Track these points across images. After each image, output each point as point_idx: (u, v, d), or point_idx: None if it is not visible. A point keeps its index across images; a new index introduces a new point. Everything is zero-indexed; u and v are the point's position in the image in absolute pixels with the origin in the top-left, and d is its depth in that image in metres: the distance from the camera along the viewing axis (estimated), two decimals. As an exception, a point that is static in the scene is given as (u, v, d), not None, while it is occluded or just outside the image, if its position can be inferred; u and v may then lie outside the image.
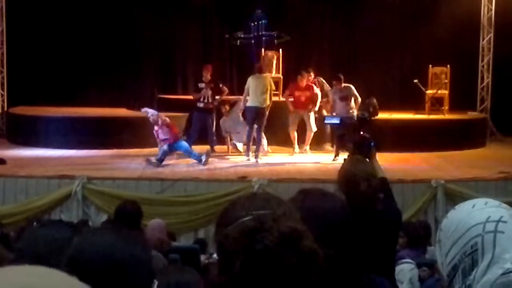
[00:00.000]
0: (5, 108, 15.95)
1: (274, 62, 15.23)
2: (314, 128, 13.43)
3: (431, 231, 7.45)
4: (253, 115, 12.88)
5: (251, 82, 12.95)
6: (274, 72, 15.16)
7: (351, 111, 12.89)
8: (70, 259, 1.65)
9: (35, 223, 7.32)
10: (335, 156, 12.81)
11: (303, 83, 13.49)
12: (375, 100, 13.73)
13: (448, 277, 1.70)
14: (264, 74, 13.35)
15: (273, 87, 13.33)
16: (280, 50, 15.19)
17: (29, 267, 0.87)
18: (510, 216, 1.69)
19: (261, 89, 12.88)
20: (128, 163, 12.57)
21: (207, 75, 13.35)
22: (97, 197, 10.93)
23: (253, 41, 15.45)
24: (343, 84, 13.14)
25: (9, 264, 1.77)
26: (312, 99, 13.46)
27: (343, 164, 4.49)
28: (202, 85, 13.39)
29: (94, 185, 11.04)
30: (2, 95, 16.09)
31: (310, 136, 13.48)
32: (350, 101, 12.98)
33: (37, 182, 11.16)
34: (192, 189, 11.16)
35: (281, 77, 15.13)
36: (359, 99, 13.08)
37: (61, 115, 14.84)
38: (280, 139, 14.07)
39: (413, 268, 6.14)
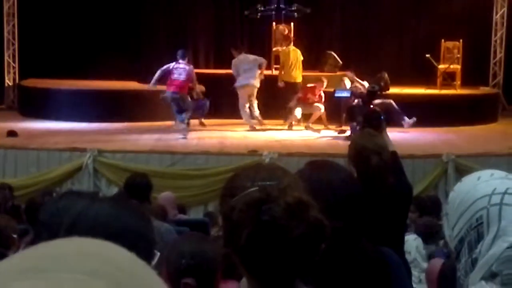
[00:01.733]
0: (17, 81, 15.99)
1: (286, 32, 15.11)
2: (322, 107, 13.32)
3: (441, 205, 7.45)
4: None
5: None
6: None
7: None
8: (69, 226, 1.66)
9: (54, 194, 7.33)
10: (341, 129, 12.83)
11: (319, 90, 13.50)
12: (386, 75, 13.69)
13: (455, 250, 1.70)
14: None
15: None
16: (292, 24, 15.10)
17: (87, 239, 0.85)
18: (517, 188, 1.67)
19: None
20: (139, 136, 12.60)
21: None
22: (108, 170, 10.97)
23: (273, 13, 15.26)
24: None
25: (35, 237, 1.78)
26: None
27: (353, 137, 4.47)
28: None
29: (105, 157, 11.07)
30: (14, 68, 16.12)
31: (317, 115, 13.39)
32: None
33: (48, 155, 11.21)
34: (202, 162, 11.18)
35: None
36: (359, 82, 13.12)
37: (72, 88, 14.85)
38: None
39: (416, 237, 6.17)
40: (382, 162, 4.01)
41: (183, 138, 12.30)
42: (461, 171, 10.80)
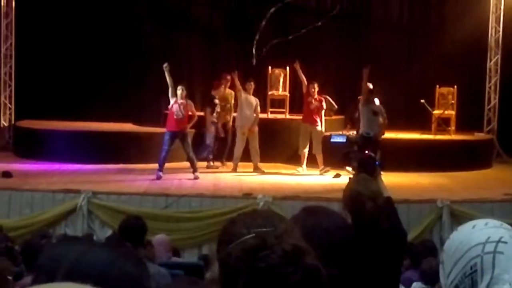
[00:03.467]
0: (12, 121, 16.01)
1: (281, 79, 15.26)
2: (319, 151, 13.37)
3: (434, 251, 7.41)
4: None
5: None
6: (281, 90, 15.21)
7: None
8: (66, 274, 1.66)
9: (51, 237, 7.29)
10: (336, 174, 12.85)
11: (315, 93, 13.61)
12: (381, 120, 13.72)
13: (451, 297, 1.70)
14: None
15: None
16: (287, 68, 15.21)
17: (69, 284, 0.85)
18: (510, 236, 1.68)
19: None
20: (133, 178, 12.59)
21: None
22: (102, 212, 10.93)
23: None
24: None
25: (32, 281, 1.78)
26: (319, 111, 13.47)
27: (348, 183, 4.49)
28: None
29: (99, 199, 11.05)
30: (10, 109, 16.16)
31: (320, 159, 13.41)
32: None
33: (42, 196, 11.18)
34: (196, 205, 11.15)
35: (288, 95, 15.18)
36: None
37: (67, 129, 14.87)
38: (285, 157, 14.11)
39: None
40: (376, 208, 4.03)
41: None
42: (456, 217, 10.82)
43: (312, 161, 13.54)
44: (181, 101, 12.57)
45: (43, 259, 2.04)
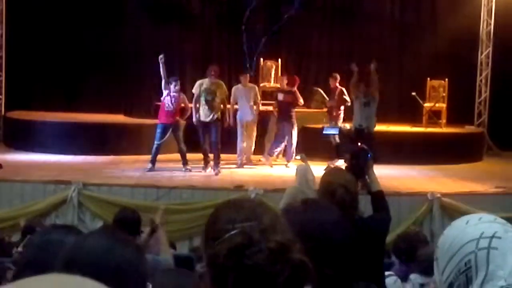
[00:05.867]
0: (3, 113, 15.94)
1: (273, 72, 15.25)
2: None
3: (428, 243, 7.39)
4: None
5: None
6: (272, 81, 15.19)
7: None
8: (66, 262, 1.65)
9: (37, 229, 7.30)
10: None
11: (284, 85, 13.60)
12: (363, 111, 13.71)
13: (445, 294, 1.69)
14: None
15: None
16: (279, 60, 15.21)
17: (61, 276, 0.85)
18: (505, 231, 1.67)
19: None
20: (124, 170, 12.56)
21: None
22: (93, 203, 10.90)
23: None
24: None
25: (17, 272, 1.77)
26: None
27: (322, 175, 4.51)
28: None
29: (90, 191, 11.02)
30: (0, 99, 16.08)
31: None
32: None
33: (33, 187, 11.14)
34: (188, 197, 11.15)
35: (279, 86, 15.14)
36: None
37: (58, 120, 14.81)
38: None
39: (396, 280, 6.10)
40: (347, 196, 4.02)
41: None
42: (447, 210, 10.85)
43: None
44: (174, 94, 12.49)
45: (29, 251, 2.02)
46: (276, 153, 13.59)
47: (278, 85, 14.25)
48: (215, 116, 12.38)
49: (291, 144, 13.27)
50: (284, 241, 1.61)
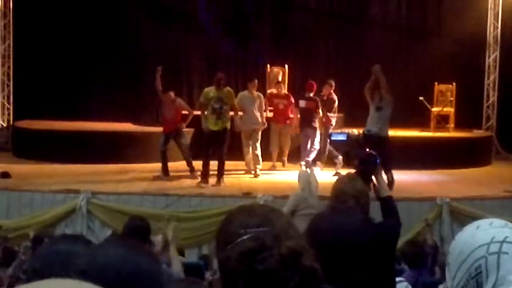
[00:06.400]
0: (11, 122, 16.00)
1: (280, 78, 15.23)
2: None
3: (429, 250, 7.39)
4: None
5: None
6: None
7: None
8: (81, 272, 1.65)
9: (45, 239, 7.32)
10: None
11: (282, 92, 13.75)
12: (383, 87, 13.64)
13: (456, 300, 1.68)
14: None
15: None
16: (286, 66, 15.21)
17: (66, 281, 0.85)
18: (515, 236, 1.66)
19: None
20: (133, 178, 12.57)
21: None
22: (102, 212, 10.92)
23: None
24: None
25: (26, 282, 1.78)
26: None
27: (335, 181, 4.51)
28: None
29: (98, 199, 11.04)
30: (8, 109, 16.15)
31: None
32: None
33: (42, 196, 11.17)
34: (196, 204, 11.14)
35: (286, 93, 15.14)
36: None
37: (66, 129, 14.84)
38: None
39: (407, 286, 6.08)
40: (357, 207, 4.04)
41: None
42: (456, 214, 10.82)
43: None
44: (169, 102, 12.60)
45: (36, 261, 2.02)
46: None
47: (274, 90, 14.28)
48: (224, 125, 12.12)
49: (314, 149, 13.35)
50: (296, 247, 1.61)
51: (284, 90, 14.13)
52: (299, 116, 13.56)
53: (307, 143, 13.32)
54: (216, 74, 12.55)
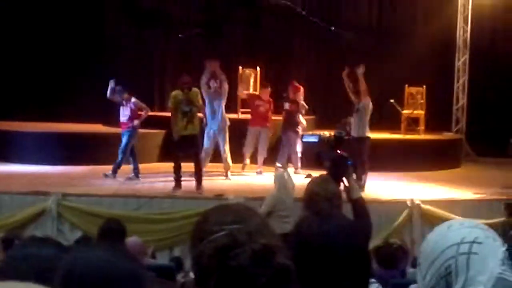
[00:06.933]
0: (-20, 123, 15.83)
1: (252, 80, 15.25)
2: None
3: (399, 252, 7.43)
4: None
5: None
6: (251, 89, 15.19)
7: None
8: (64, 276, 1.65)
9: (16, 241, 7.24)
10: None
11: (266, 96, 13.71)
12: (352, 119, 13.76)
13: (427, 300, 1.69)
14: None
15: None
16: (258, 68, 15.22)
17: (19, 284, 0.85)
18: (486, 237, 1.66)
19: None
20: (103, 180, 12.49)
21: None
22: (72, 214, 10.83)
23: None
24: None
25: None
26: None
27: (308, 183, 4.52)
28: None
29: (69, 201, 10.95)
30: (-22, 110, 15.97)
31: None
32: None
33: (11, 198, 11.06)
34: (168, 206, 11.10)
35: (257, 94, 15.17)
36: None
37: (36, 130, 14.73)
38: (256, 157, 14.10)
39: (377, 287, 6.11)
40: (330, 208, 4.04)
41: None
42: (426, 216, 10.87)
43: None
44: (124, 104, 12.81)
45: (5, 263, 2.00)
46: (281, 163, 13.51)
47: (257, 93, 14.34)
48: (194, 131, 11.88)
49: (296, 152, 13.35)
50: (269, 244, 1.62)
51: (268, 97, 13.82)
52: (282, 118, 13.61)
53: (286, 146, 13.36)
54: (182, 77, 12.24)
